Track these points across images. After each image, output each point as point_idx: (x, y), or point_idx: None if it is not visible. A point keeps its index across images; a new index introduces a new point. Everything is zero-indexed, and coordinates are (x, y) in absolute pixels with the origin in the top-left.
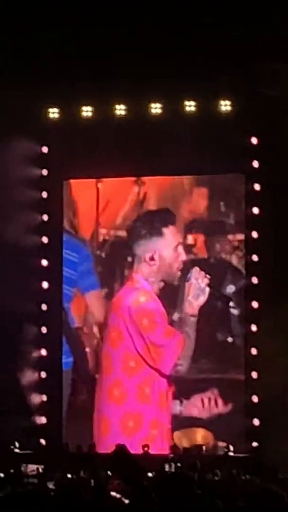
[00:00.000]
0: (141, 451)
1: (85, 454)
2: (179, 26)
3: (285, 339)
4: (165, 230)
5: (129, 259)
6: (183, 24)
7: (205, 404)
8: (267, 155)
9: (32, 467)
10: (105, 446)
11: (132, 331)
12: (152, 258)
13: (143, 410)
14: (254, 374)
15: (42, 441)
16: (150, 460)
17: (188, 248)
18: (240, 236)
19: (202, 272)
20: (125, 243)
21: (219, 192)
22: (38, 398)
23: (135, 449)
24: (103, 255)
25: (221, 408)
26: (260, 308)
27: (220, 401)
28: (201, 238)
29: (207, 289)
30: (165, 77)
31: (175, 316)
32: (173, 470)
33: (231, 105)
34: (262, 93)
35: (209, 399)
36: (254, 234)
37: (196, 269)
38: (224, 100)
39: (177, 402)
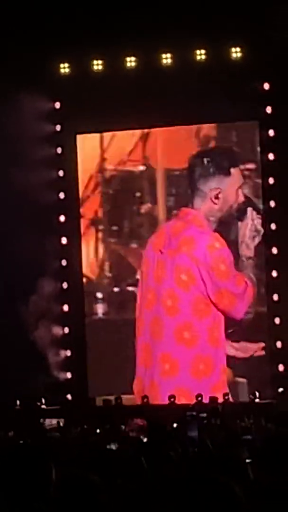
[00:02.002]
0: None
1: (111, 409)
2: None
3: None
4: (232, 170)
5: (189, 192)
6: None
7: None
8: (280, 100)
9: (52, 421)
10: (168, 388)
11: (205, 276)
12: (217, 197)
13: (214, 353)
14: (277, 320)
15: (68, 396)
16: (175, 410)
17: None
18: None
19: (255, 212)
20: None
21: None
22: (62, 354)
23: (206, 393)
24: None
25: (255, 348)
26: (279, 255)
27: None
28: None
29: (262, 230)
30: (174, 26)
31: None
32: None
33: (241, 52)
34: (272, 37)
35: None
36: (271, 180)
37: (250, 210)
38: (234, 46)
39: None
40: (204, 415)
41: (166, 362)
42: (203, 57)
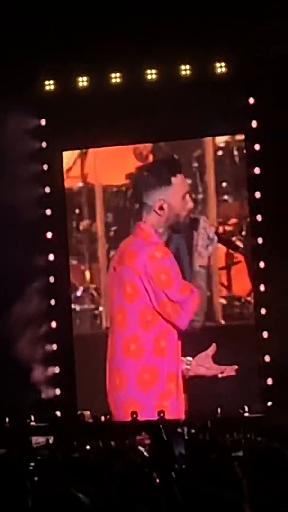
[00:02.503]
0: (160, 409)
1: (101, 425)
2: None
3: None
4: (173, 179)
5: (137, 206)
6: None
7: (214, 361)
8: (265, 114)
9: (40, 439)
10: (120, 403)
11: (148, 287)
12: (161, 208)
13: (159, 363)
14: (265, 334)
15: (58, 413)
16: (166, 425)
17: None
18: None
19: (209, 220)
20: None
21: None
22: (51, 370)
23: (151, 405)
24: None
25: (229, 370)
26: (267, 267)
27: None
28: None
29: (215, 238)
30: (159, 42)
31: (186, 268)
32: (185, 432)
33: (226, 67)
34: (257, 52)
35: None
36: (257, 195)
37: (203, 218)
38: (219, 61)
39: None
40: (192, 431)
41: (116, 376)
42: (188, 72)
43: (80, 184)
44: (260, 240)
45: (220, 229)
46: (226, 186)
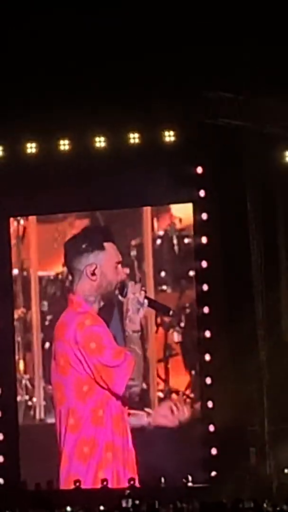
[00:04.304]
0: (100, 479)
1: (43, 493)
2: (120, 62)
3: (239, 367)
4: (106, 245)
5: (70, 277)
6: (123, 58)
7: (174, 412)
8: (213, 184)
9: None
10: (65, 478)
11: (80, 356)
12: (93, 273)
13: (97, 433)
14: (210, 403)
15: (1, 480)
16: (108, 495)
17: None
18: None
19: (138, 285)
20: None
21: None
22: None
23: (92, 476)
24: None
25: (188, 413)
26: (212, 337)
27: (186, 408)
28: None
29: (146, 302)
30: (108, 110)
31: (113, 334)
32: (130, 505)
33: (174, 135)
34: (205, 122)
35: (177, 406)
36: (204, 264)
37: (132, 283)
38: (167, 130)
39: (144, 414)
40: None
41: (61, 452)
42: (137, 140)
43: (15, 272)
44: (206, 310)
45: (158, 320)
46: (165, 276)
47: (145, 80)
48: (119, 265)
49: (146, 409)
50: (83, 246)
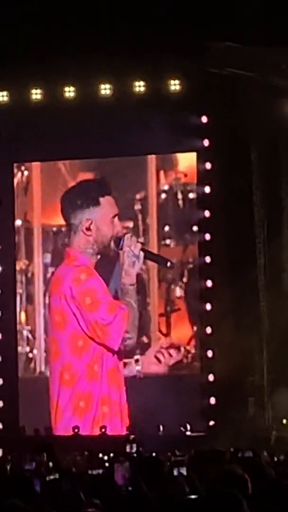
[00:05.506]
0: (97, 432)
1: (43, 438)
2: (126, 8)
3: (239, 317)
4: (102, 200)
5: (63, 230)
6: (129, 6)
7: (160, 359)
8: (217, 133)
9: None
10: (61, 431)
11: (75, 311)
12: (88, 228)
13: (92, 388)
14: (210, 353)
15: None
16: (109, 442)
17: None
18: None
19: (134, 238)
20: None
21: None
22: None
23: (89, 430)
24: None
25: (176, 356)
26: (213, 287)
27: (173, 350)
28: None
29: (142, 254)
30: (114, 58)
31: (115, 288)
32: (134, 451)
33: (180, 84)
34: (210, 72)
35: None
36: (207, 214)
37: (127, 236)
38: (173, 79)
39: (132, 361)
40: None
41: (53, 406)
42: (142, 89)
43: (18, 223)
44: (208, 259)
45: (161, 275)
46: (168, 230)
47: (151, 29)
48: (116, 218)
49: (135, 357)
50: (79, 202)
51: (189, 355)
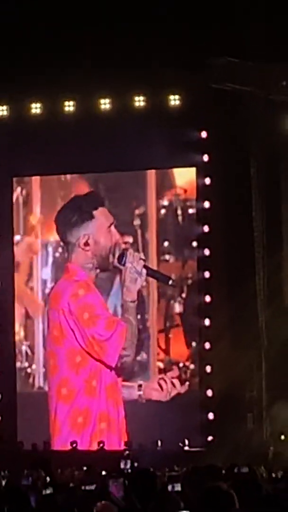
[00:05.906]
0: (95, 448)
1: (40, 453)
2: (127, 23)
3: (238, 332)
4: (95, 213)
5: (62, 244)
6: (130, 21)
7: (163, 387)
8: (217, 149)
9: None
10: (59, 445)
11: (73, 327)
12: (86, 243)
13: (90, 404)
14: (208, 368)
15: None
16: (106, 457)
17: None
18: None
19: (137, 254)
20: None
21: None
22: None
23: (87, 445)
24: None
25: (179, 388)
26: (212, 302)
27: (177, 382)
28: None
29: (144, 271)
30: (113, 72)
31: (115, 304)
32: (128, 467)
33: (179, 99)
34: (210, 87)
35: (165, 380)
36: (206, 229)
37: (130, 252)
38: (173, 94)
39: (135, 386)
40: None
41: (51, 421)
42: (142, 103)
43: (18, 238)
44: (207, 275)
45: (161, 290)
46: (168, 246)
47: (151, 44)
48: (112, 227)
49: (138, 381)
50: (72, 219)
51: (188, 371)
